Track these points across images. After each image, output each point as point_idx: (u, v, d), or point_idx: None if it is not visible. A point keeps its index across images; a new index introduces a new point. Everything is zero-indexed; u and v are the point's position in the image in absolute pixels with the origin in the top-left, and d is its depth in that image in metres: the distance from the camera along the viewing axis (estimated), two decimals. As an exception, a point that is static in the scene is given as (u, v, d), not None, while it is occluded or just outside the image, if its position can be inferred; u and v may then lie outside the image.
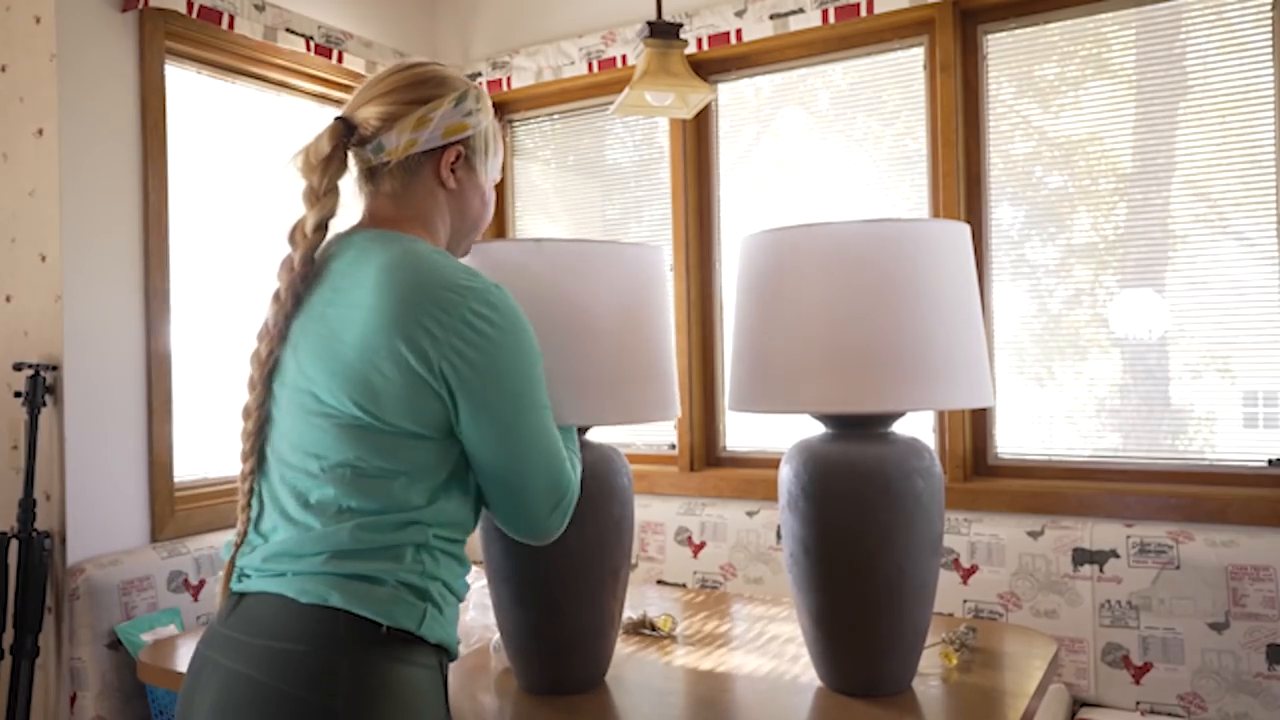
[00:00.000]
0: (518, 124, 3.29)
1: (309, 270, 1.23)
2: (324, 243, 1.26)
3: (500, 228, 3.30)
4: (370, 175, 1.29)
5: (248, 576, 1.19)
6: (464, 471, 1.22)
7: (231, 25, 2.52)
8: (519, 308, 1.21)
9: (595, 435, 1.68)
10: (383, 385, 1.13)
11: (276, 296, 1.23)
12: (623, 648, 1.86)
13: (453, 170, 1.29)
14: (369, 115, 1.26)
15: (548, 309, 1.46)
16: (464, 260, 1.49)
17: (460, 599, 1.25)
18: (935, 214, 2.58)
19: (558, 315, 1.46)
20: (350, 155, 1.27)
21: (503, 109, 3.29)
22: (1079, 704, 2.22)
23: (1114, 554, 2.20)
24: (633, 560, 2.79)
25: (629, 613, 2.04)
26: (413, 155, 1.26)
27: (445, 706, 1.21)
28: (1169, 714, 2.13)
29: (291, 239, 1.25)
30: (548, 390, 1.43)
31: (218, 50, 2.61)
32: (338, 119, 1.27)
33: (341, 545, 1.13)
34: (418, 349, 1.13)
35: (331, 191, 1.24)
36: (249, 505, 1.24)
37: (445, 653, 1.22)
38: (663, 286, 1.58)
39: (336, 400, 1.15)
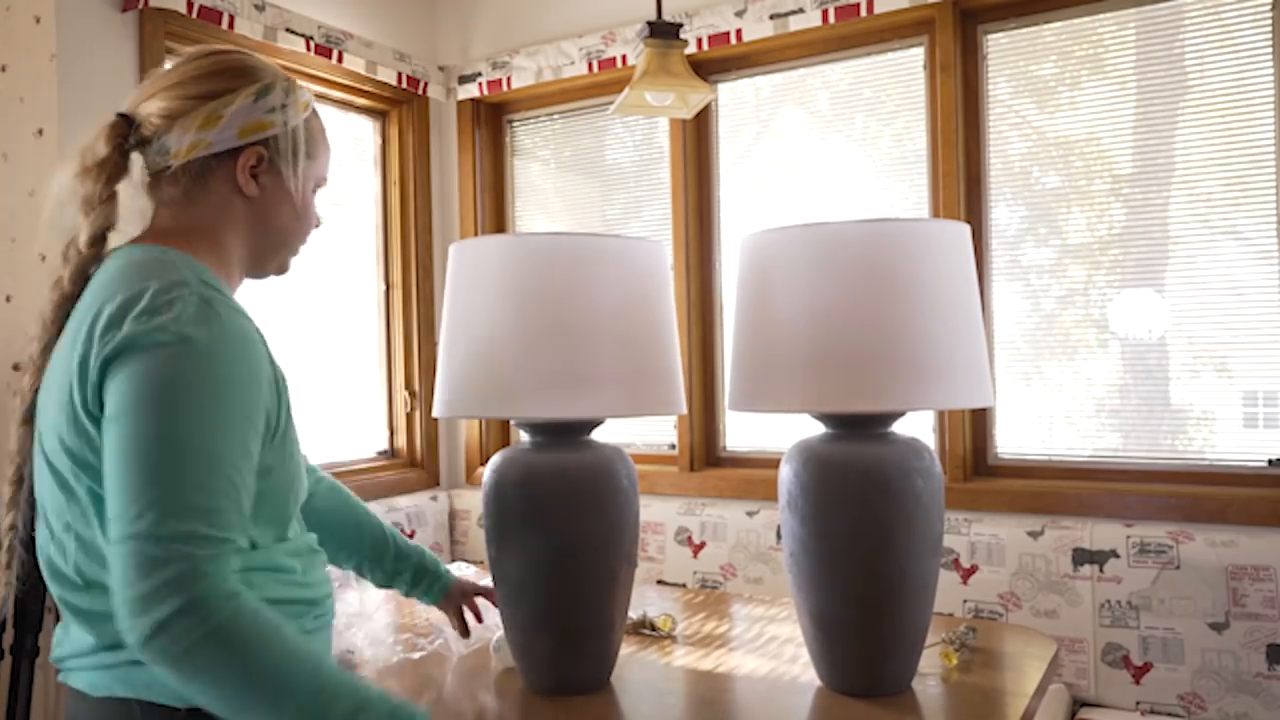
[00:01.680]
0: (518, 124, 3.29)
1: (79, 291, 1.09)
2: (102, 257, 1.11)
3: (500, 228, 3.30)
4: (153, 180, 1.13)
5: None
6: None
7: (231, 25, 2.52)
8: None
9: (597, 435, 1.68)
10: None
11: (40, 322, 1.10)
12: (623, 648, 1.86)
13: (254, 175, 1.13)
14: (151, 111, 1.10)
15: (553, 302, 1.46)
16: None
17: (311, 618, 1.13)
18: (935, 214, 2.58)
19: (563, 309, 1.46)
20: (132, 157, 1.12)
21: (503, 109, 3.29)
22: (1079, 704, 2.22)
23: (1114, 554, 2.20)
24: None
25: (629, 612, 2.04)
26: (200, 158, 1.10)
27: None
28: (1169, 714, 2.13)
29: (64, 254, 1.10)
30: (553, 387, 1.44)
31: (218, 50, 2.61)
32: (118, 115, 1.12)
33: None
34: None
35: (109, 199, 1.09)
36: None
37: None
38: (665, 281, 1.58)
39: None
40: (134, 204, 1.14)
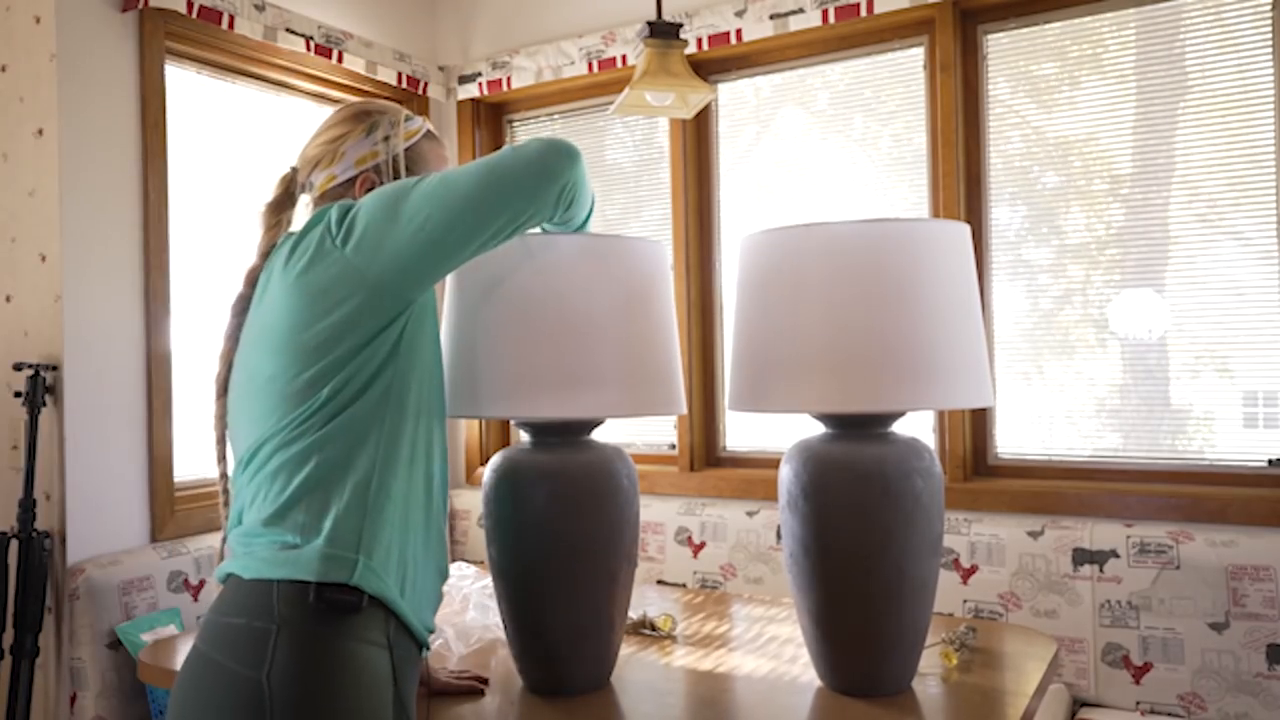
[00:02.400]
0: (518, 124, 3.29)
1: (251, 291, 1.36)
2: None
3: (500, 228, 3.30)
4: (314, 208, 1.42)
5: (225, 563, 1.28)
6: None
7: (231, 25, 2.52)
8: None
9: (597, 435, 1.68)
10: None
11: (229, 314, 1.37)
12: (623, 648, 1.86)
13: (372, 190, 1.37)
14: (304, 160, 1.42)
15: (553, 302, 1.46)
16: None
17: (429, 570, 1.29)
18: (935, 214, 2.58)
19: (563, 309, 1.46)
20: (300, 196, 1.44)
21: (503, 109, 3.29)
22: (1079, 704, 2.23)
23: (1114, 554, 2.20)
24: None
25: (629, 612, 2.04)
26: (333, 188, 1.39)
27: (395, 689, 1.19)
28: (1169, 714, 2.13)
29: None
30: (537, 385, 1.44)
31: (218, 50, 2.61)
32: (290, 168, 1.44)
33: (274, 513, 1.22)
34: None
35: (275, 226, 1.38)
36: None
37: (398, 624, 1.20)
38: (665, 281, 1.58)
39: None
40: None
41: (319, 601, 1.13)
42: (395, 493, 1.22)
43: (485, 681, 1.63)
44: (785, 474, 1.57)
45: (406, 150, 1.41)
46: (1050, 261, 2.47)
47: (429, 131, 1.46)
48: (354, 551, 1.16)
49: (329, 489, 1.18)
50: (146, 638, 2.16)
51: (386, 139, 1.39)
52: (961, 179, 2.53)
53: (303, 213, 1.42)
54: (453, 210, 1.21)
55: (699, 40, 2.73)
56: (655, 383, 1.52)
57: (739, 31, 2.67)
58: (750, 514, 2.65)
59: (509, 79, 3.07)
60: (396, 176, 1.38)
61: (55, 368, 2.22)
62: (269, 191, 1.43)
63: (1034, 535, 2.28)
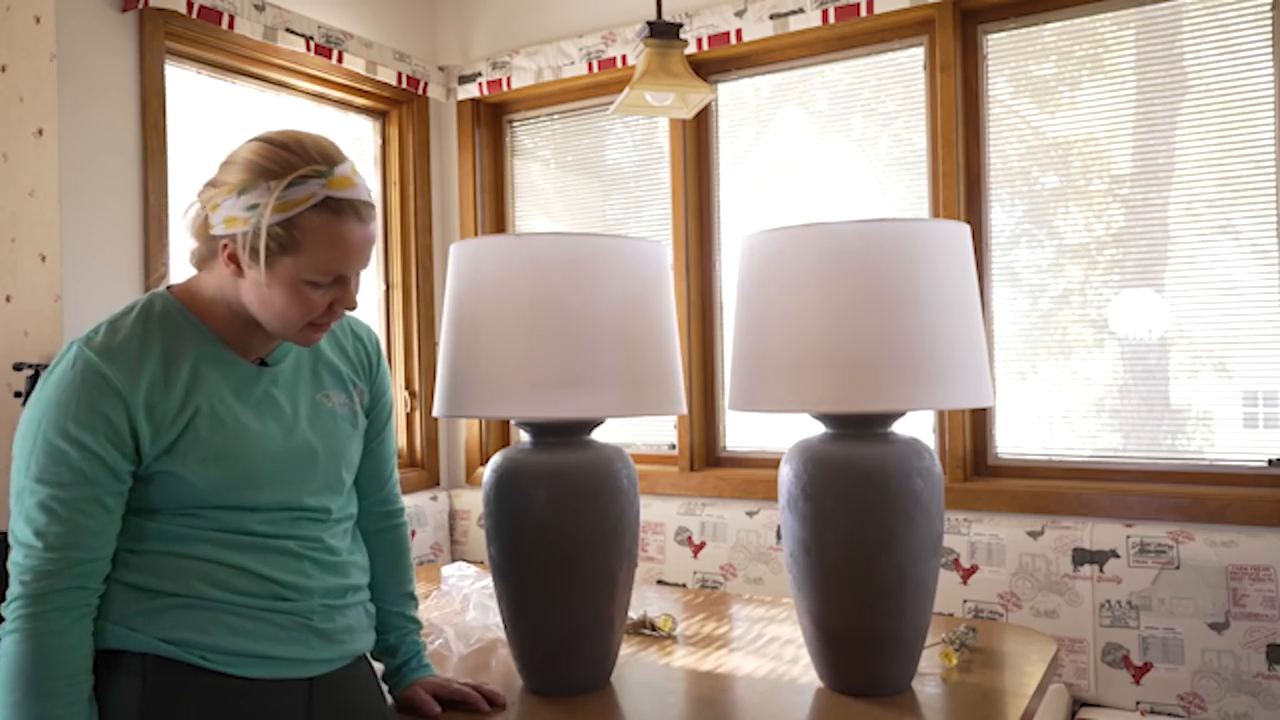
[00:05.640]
0: (518, 124, 3.29)
1: None
2: None
3: (500, 228, 3.30)
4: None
5: None
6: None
7: (231, 25, 2.52)
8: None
9: (597, 435, 1.68)
10: None
11: None
12: (623, 648, 1.86)
13: (235, 263, 1.21)
14: (207, 181, 1.25)
15: (553, 302, 1.46)
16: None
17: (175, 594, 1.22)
18: (935, 214, 2.58)
19: (564, 309, 1.46)
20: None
21: (503, 109, 3.29)
22: (1079, 704, 2.23)
23: (1114, 554, 2.20)
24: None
25: (629, 612, 2.04)
26: (207, 236, 1.23)
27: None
28: (1169, 714, 2.13)
29: None
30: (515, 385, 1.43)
31: (218, 50, 2.61)
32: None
33: None
34: None
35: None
36: None
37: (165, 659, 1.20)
38: (665, 281, 1.59)
39: None
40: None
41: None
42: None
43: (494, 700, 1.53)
44: (785, 474, 1.57)
45: (279, 224, 1.16)
46: (1050, 261, 2.47)
47: (329, 200, 1.17)
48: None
49: None
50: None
51: (254, 207, 1.16)
52: (961, 179, 2.53)
53: (183, 228, 1.27)
54: None
55: (699, 40, 2.73)
56: (655, 383, 1.52)
57: (739, 31, 2.67)
58: (750, 514, 2.65)
59: (509, 79, 3.07)
60: (255, 253, 1.17)
61: (55, 368, 2.22)
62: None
63: (1034, 535, 2.28)
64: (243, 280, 1.22)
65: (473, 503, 3.12)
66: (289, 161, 1.17)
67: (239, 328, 1.27)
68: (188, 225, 1.27)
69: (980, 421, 2.53)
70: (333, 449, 1.34)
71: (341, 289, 1.24)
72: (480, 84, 3.13)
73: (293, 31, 2.68)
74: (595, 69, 2.92)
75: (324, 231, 1.18)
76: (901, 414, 1.55)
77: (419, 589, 2.29)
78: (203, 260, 1.26)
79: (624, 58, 2.87)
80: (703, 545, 2.70)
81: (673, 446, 2.99)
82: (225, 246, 1.20)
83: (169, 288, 1.30)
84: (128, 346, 1.20)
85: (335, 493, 1.34)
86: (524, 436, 1.65)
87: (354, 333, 1.45)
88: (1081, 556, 2.23)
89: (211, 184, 1.23)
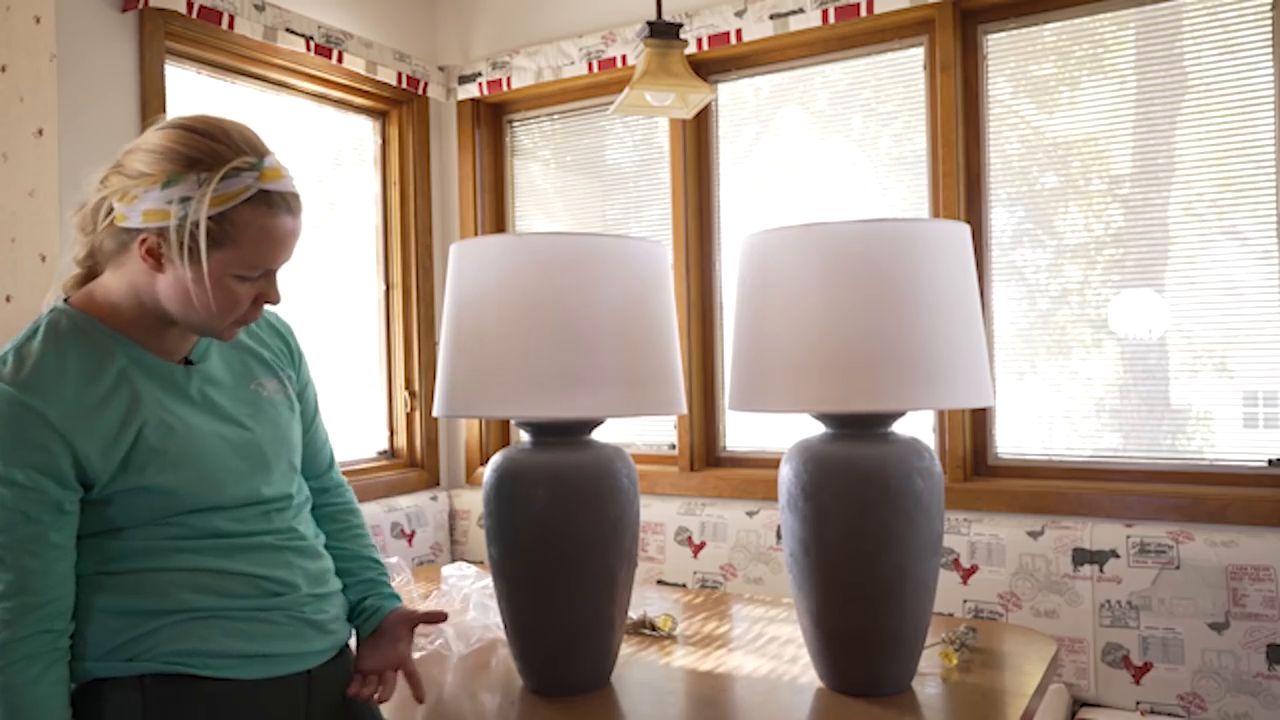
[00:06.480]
0: (518, 124, 3.29)
1: None
2: None
3: (500, 228, 3.30)
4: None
5: None
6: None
7: (231, 25, 2.52)
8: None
9: (597, 435, 1.68)
10: None
11: None
12: (623, 648, 1.86)
13: (156, 258, 1.15)
14: (104, 171, 1.19)
15: (553, 302, 1.46)
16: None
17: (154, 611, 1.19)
18: (935, 214, 2.58)
19: (564, 309, 1.46)
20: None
21: (503, 109, 3.29)
22: (1079, 704, 2.23)
23: (1114, 554, 2.20)
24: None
25: (629, 612, 2.04)
26: (115, 229, 1.16)
27: None
28: (1169, 714, 2.13)
29: None
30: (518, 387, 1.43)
31: (218, 50, 2.61)
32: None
33: None
34: None
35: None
36: None
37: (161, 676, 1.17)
38: (665, 281, 1.59)
39: None
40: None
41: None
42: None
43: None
44: (785, 474, 1.57)
45: (215, 217, 1.12)
46: (1050, 261, 2.47)
47: (262, 194, 1.14)
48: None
49: None
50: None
51: (185, 200, 1.11)
52: (961, 179, 2.53)
53: (71, 229, 1.22)
54: None
55: (699, 40, 2.73)
56: (655, 383, 1.52)
57: (739, 31, 2.67)
58: (750, 514, 2.65)
59: (509, 79, 3.07)
60: (186, 248, 1.12)
61: (55, 368, 2.21)
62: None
63: (1034, 535, 2.28)
64: (161, 276, 1.16)
65: (473, 503, 3.12)
66: (218, 152, 1.13)
67: (155, 329, 1.22)
68: (81, 220, 1.19)
69: (980, 421, 2.53)
70: (279, 436, 1.33)
71: (267, 283, 1.22)
72: (480, 84, 3.13)
73: (293, 31, 2.68)
74: (595, 69, 2.92)
75: (257, 226, 1.14)
76: (901, 414, 1.55)
77: (419, 589, 2.29)
78: (108, 258, 1.19)
79: (624, 58, 2.87)
80: (703, 545, 2.70)
81: (673, 446, 2.99)
82: (144, 241, 1.13)
83: (66, 300, 1.22)
84: (41, 369, 1.13)
85: (288, 478, 1.34)
86: (524, 436, 1.65)
87: (267, 322, 1.42)
88: (1081, 556, 2.23)
89: (120, 173, 1.16)
